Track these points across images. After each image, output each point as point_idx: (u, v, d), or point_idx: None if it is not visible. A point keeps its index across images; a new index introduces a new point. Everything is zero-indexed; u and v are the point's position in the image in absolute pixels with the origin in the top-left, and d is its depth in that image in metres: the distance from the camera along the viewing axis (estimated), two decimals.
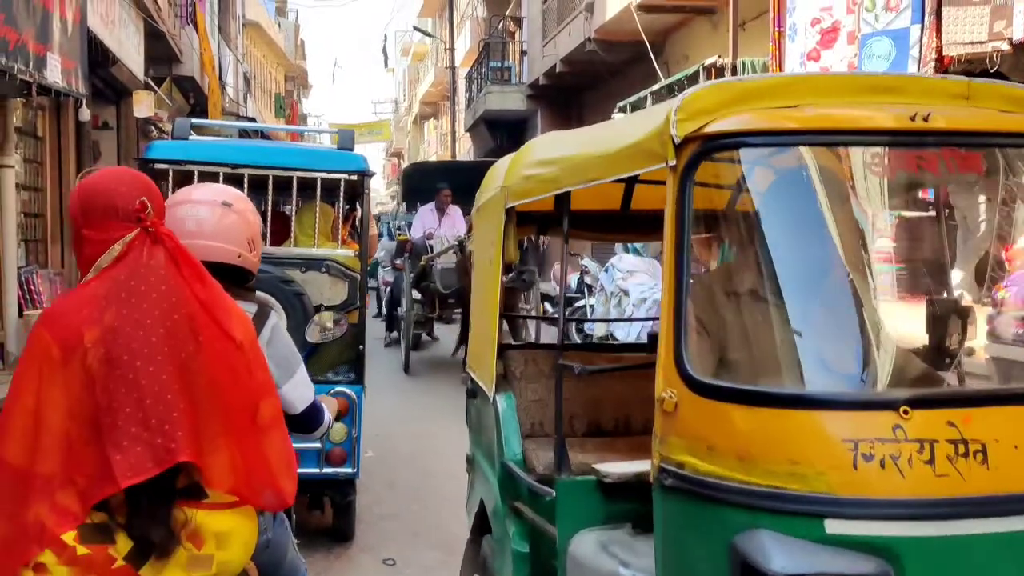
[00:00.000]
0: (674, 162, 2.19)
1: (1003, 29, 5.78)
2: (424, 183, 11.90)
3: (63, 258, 11.98)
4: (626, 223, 4.03)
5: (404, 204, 13.01)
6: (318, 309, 4.99)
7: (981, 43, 5.89)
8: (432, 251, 10.58)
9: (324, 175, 5.02)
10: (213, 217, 2.38)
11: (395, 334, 13.23)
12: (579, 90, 18.87)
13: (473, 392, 4.01)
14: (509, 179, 3.39)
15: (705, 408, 2.13)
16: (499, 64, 22.47)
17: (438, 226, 11.02)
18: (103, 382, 1.82)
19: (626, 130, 2.77)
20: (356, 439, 5.01)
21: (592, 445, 3.47)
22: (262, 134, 17.22)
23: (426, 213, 11.39)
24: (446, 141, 36.90)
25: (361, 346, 5.13)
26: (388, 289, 13.97)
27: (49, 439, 1.82)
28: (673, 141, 2.17)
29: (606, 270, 11.45)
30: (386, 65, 47.70)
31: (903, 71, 6.90)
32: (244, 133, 15.90)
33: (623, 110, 13.18)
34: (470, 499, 4.05)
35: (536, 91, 19.96)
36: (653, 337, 2.29)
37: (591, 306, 11.81)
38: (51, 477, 1.81)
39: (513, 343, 5.12)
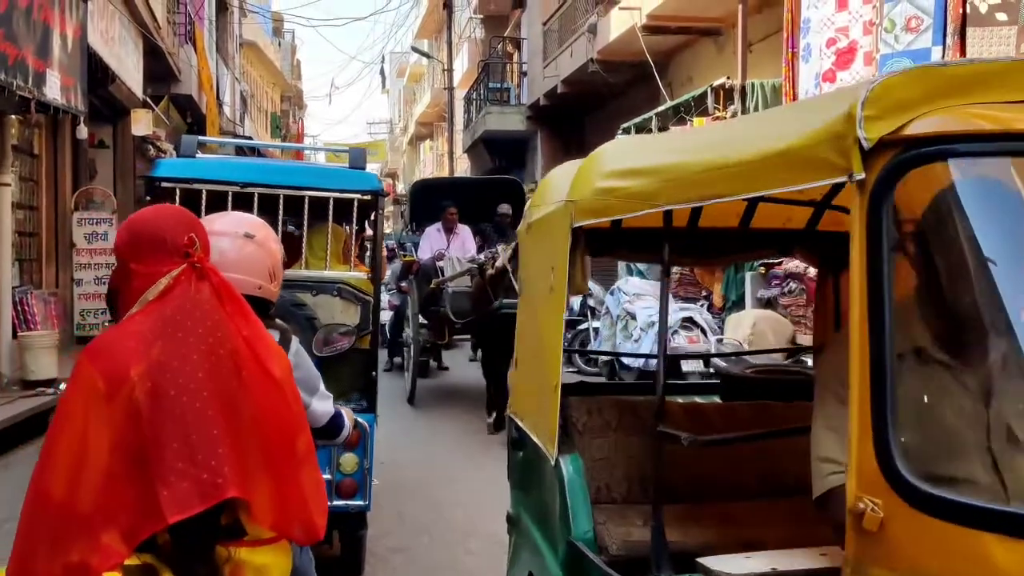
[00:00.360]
0: (862, 175, 1.59)
1: None
2: (432, 201, 11.14)
3: (58, 278, 11.77)
4: (738, 241, 3.31)
5: (411, 224, 12.05)
6: None
7: None
8: (442, 273, 9.82)
9: (337, 194, 4.83)
10: (234, 249, 2.38)
11: (397, 359, 12.52)
12: (581, 111, 18.79)
13: (519, 442, 3.47)
14: (577, 192, 2.79)
15: (934, 532, 1.47)
16: (498, 85, 22.41)
17: (447, 247, 10.32)
18: (149, 416, 1.83)
19: (764, 130, 2.11)
20: (368, 470, 4.78)
21: (673, 516, 2.71)
22: (257, 152, 17.07)
23: (433, 233, 10.65)
24: (442, 161, 36.90)
25: (373, 372, 4.92)
26: (392, 312, 13.29)
27: (93, 475, 1.81)
28: (861, 146, 1.58)
29: (611, 293, 11.26)
30: (383, 87, 47.63)
31: None
32: (240, 151, 15.73)
33: (627, 131, 13.09)
34: (513, 569, 3.54)
35: (536, 112, 19.87)
36: (730, 378, 1.98)
37: (595, 329, 11.62)
38: (94, 514, 1.80)
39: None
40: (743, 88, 9.88)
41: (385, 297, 14.56)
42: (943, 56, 6.50)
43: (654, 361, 9.21)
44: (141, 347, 1.87)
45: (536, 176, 20.89)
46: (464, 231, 10.60)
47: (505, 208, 10.78)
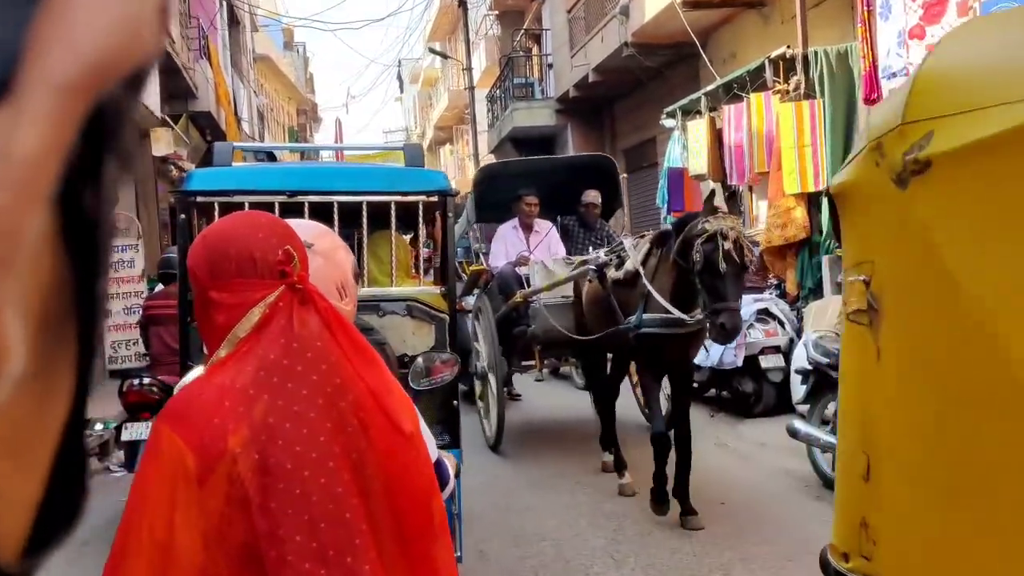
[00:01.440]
0: None
1: None
2: (501, 191, 8.41)
3: None
4: None
5: (475, 223, 9.22)
6: (401, 360, 4.12)
7: None
8: (527, 283, 7.54)
9: (400, 198, 4.16)
10: None
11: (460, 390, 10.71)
12: (611, 100, 18.11)
13: None
14: None
15: None
16: (523, 80, 21.75)
17: (528, 249, 8.03)
18: (261, 500, 1.41)
19: None
20: (458, 516, 4.11)
21: None
22: (271, 157, 16.47)
23: (509, 233, 8.28)
24: (464, 165, 36.33)
25: (455, 402, 4.28)
26: None
27: None
28: None
29: None
30: (401, 90, 47.15)
31: None
32: (271, 158, 15.17)
33: (671, 115, 12.38)
34: None
35: (565, 104, 19.20)
36: None
37: None
38: None
39: None
40: (805, 57, 9.12)
41: None
42: None
43: (728, 359, 8.57)
44: (240, 406, 1.45)
45: None
46: (547, 228, 8.31)
47: (592, 195, 8.28)
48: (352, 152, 12.59)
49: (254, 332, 1.53)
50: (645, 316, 5.45)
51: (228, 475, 1.44)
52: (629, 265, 5.70)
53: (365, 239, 4.28)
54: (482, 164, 28.05)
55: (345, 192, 4.12)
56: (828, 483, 5.85)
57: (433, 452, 2.02)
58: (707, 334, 5.37)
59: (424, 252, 6.66)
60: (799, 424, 5.70)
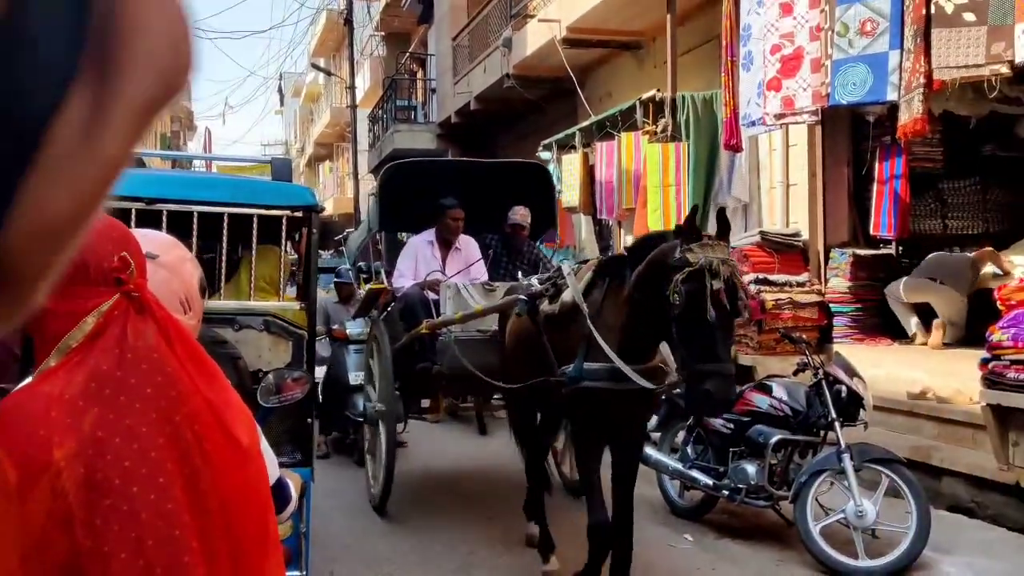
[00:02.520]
0: None
1: (1002, 51, 5.37)
2: (413, 196, 7.02)
3: None
4: None
5: (376, 232, 7.79)
6: (255, 376, 4.07)
7: (978, 66, 5.47)
8: (437, 311, 6.23)
9: (263, 211, 4.12)
10: None
11: (333, 435, 8.92)
12: (492, 128, 18.34)
13: None
14: None
15: None
16: (405, 103, 21.79)
17: (441, 269, 6.69)
18: (85, 516, 1.35)
19: None
20: (304, 535, 4.07)
21: None
22: (140, 163, 15.84)
23: (423, 247, 6.89)
24: (343, 183, 35.97)
25: (309, 419, 4.24)
26: (322, 371, 8.73)
27: None
28: None
29: None
30: (281, 103, 46.35)
31: (882, 98, 6.48)
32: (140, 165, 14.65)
33: (548, 147, 12.65)
34: None
35: (447, 130, 19.34)
36: None
37: None
38: None
39: None
40: (673, 101, 9.52)
41: None
42: (901, 61, 6.20)
43: None
44: (67, 418, 1.38)
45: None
46: (468, 245, 6.95)
47: (521, 214, 6.85)
48: (225, 163, 12.31)
49: (86, 341, 1.46)
50: (586, 366, 4.14)
51: (52, 489, 1.37)
52: (567, 296, 4.39)
53: (224, 251, 4.21)
54: (360, 183, 27.85)
55: (206, 203, 4.05)
56: (675, 509, 6.08)
57: (274, 471, 1.97)
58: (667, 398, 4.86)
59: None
60: (650, 451, 5.92)
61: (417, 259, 6.83)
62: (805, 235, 8.54)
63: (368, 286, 7.56)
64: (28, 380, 2.08)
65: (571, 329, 4.32)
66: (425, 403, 7.34)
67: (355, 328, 8.44)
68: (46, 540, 1.35)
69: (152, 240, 1.84)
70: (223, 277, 4.33)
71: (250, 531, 1.55)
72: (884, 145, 8.46)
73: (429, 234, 6.89)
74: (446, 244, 6.87)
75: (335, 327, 8.84)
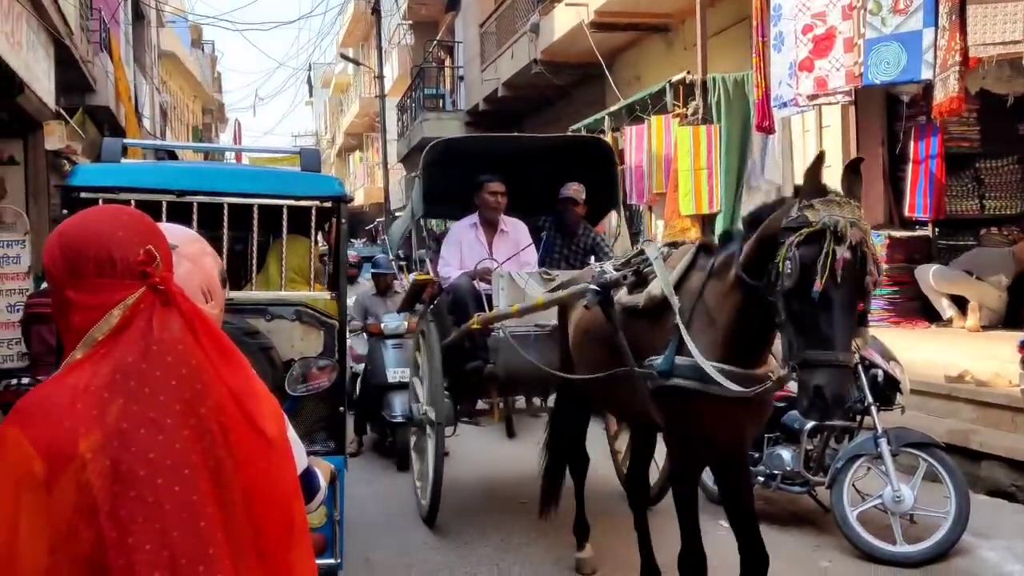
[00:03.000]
0: None
1: None
2: (461, 178, 6.20)
3: None
4: None
5: (420, 218, 6.78)
6: (288, 365, 4.10)
7: (1015, 43, 5.35)
8: (489, 304, 5.54)
9: (292, 202, 4.14)
10: None
11: (368, 436, 8.44)
12: (521, 115, 18.30)
13: None
14: None
15: None
16: (433, 91, 21.80)
17: (489, 255, 5.94)
18: (111, 508, 1.36)
19: None
20: (339, 523, 4.11)
21: None
22: (172, 156, 16.08)
23: (467, 233, 6.18)
24: (373, 172, 36.08)
25: (341, 408, 4.27)
26: (361, 368, 8.38)
27: None
28: None
29: None
30: (311, 95, 46.52)
31: (916, 77, 6.37)
32: (171, 156, 14.82)
33: (576, 132, 12.58)
34: None
35: (475, 117, 19.32)
36: None
37: None
38: None
39: None
40: (704, 83, 9.43)
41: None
42: (935, 39, 6.08)
43: None
44: (92, 409, 1.39)
45: None
46: (517, 228, 6.20)
47: (574, 189, 6.10)
48: (256, 155, 12.37)
49: (112, 334, 1.47)
50: (678, 359, 3.39)
51: (77, 481, 1.39)
52: (655, 289, 3.62)
53: (255, 242, 4.24)
54: (390, 172, 27.87)
55: (236, 194, 4.08)
56: (710, 495, 6.05)
57: (302, 460, 1.97)
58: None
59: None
60: None
61: (462, 245, 6.10)
62: None
63: (413, 276, 6.97)
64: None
65: (659, 325, 3.57)
66: (482, 405, 6.44)
67: (392, 322, 7.96)
68: (72, 531, 1.36)
69: (173, 233, 1.86)
70: (254, 268, 4.35)
71: (275, 521, 1.55)
72: (919, 125, 8.32)
73: (472, 218, 6.18)
74: (491, 226, 6.13)
75: (371, 321, 8.22)
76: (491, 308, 5.48)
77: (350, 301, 7.99)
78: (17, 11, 10.07)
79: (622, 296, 3.89)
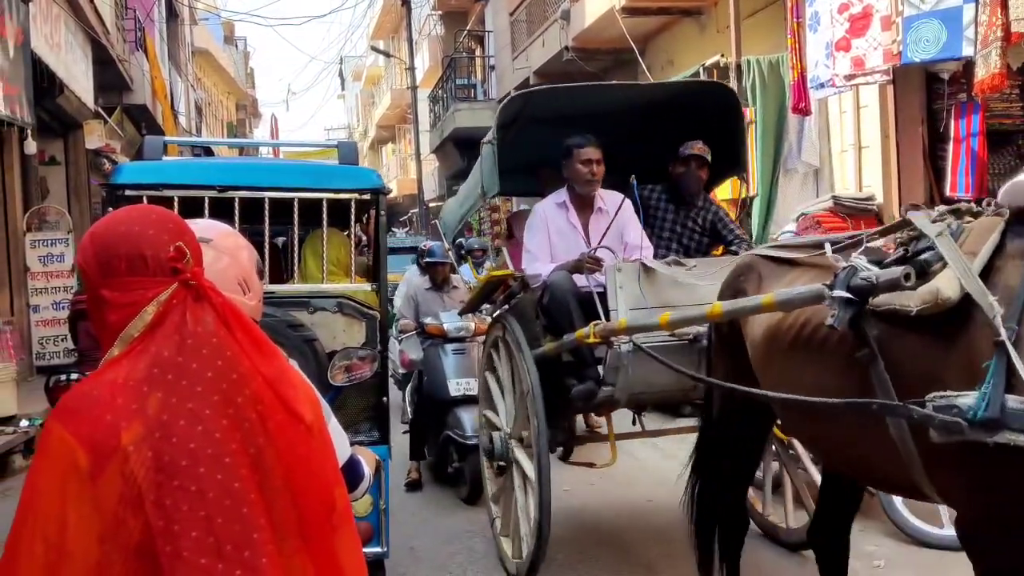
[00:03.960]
0: None
1: None
2: (543, 142, 5.00)
3: (12, 306, 10.97)
4: None
5: (491, 196, 5.31)
6: (331, 357, 4.14)
7: None
8: (601, 302, 4.28)
9: (332, 195, 4.18)
10: None
11: (429, 460, 6.97)
12: None
13: None
14: None
15: None
16: (465, 81, 21.78)
17: (586, 240, 4.80)
18: (156, 497, 1.41)
19: None
20: (384, 511, 4.15)
21: None
22: (208, 152, 16.32)
23: (553, 214, 4.92)
24: (406, 164, 36.19)
25: (384, 398, 4.30)
26: (413, 376, 7.18)
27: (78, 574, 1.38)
28: None
29: None
30: (343, 88, 46.72)
31: (957, 54, 6.26)
32: (208, 153, 14.97)
33: None
34: None
35: None
36: None
37: None
38: None
39: None
40: (738, 66, 9.33)
41: (392, 344, 7.05)
42: (976, 14, 5.97)
43: None
44: (132, 403, 1.43)
45: None
46: (617, 204, 4.74)
47: (698, 148, 5.01)
48: (291, 149, 12.47)
49: (147, 330, 1.51)
50: (1011, 400, 2.10)
51: (121, 473, 1.43)
52: (946, 287, 2.34)
53: (296, 236, 4.29)
54: (423, 164, 27.94)
55: (276, 188, 4.13)
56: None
57: (345, 449, 2.02)
58: None
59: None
60: None
61: (550, 229, 4.86)
62: (879, 199, 8.31)
63: (488, 266, 5.93)
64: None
65: (949, 342, 2.36)
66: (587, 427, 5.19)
67: (453, 322, 6.65)
68: (119, 522, 1.40)
69: (208, 228, 1.95)
70: (295, 261, 4.40)
71: (317, 505, 1.59)
72: (960, 103, 8.16)
73: (559, 195, 4.92)
74: (585, 204, 4.89)
75: (428, 320, 6.84)
76: (603, 311, 4.25)
77: (398, 299, 7.53)
78: (55, 12, 10.23)
79: (883, 298, 2.50)
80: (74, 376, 6.14)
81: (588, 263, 4.49)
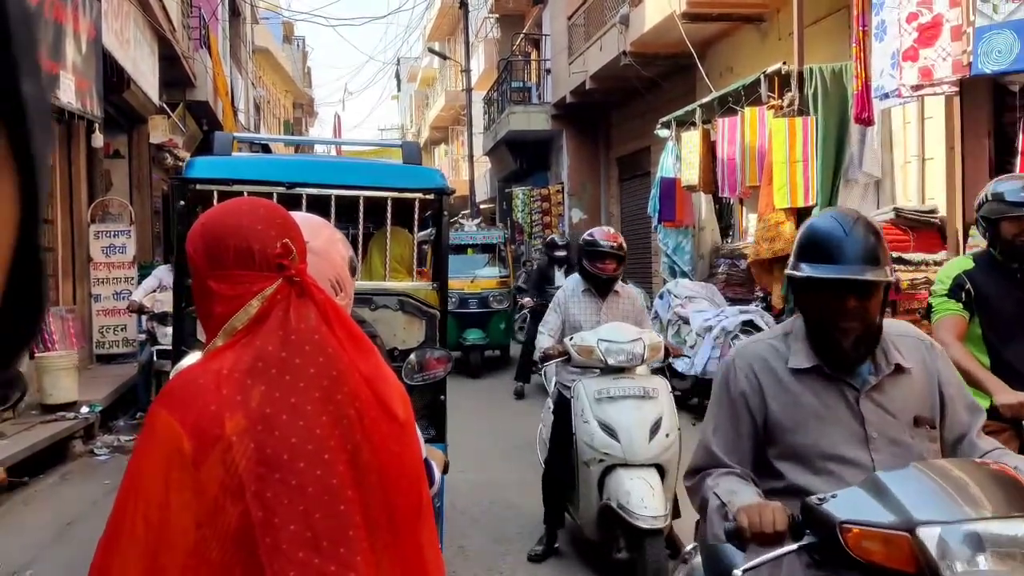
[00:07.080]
0: None
1: None
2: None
3: (75, 294, 11.24)
4: None
5: None
6: (391, 354, 4.18)
7: None
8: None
9: (396, 194, 4.22)
10: None
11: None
12: (608, 107, 18.19)
13: None
14: None
15: None
16: (520, 84, 21.82)
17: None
18: (257, 489, 1.42)
19: None
20: (439, 510, 4.17)
21: None
22: (266, 149, 16.50)
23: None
24: (458, 165, 36.35)
25: (442, 396, 4.33)
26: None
27: (177, 559, 1.39)
28: None
29: (660, 296, 10.63)
30: (398, 89, 47.13)
31: None
32: (265, 150, 15.20)
33: (666, 125, 12.46)
34: None
35: (562, 110, 19.27)
36: None
37: None
38: None
39: None
40: (800, 74, 9.22)
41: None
42: None
43: (712, 368, 8.59)
44: (236, 394, 1.45)
45: (561, 176, 20.30)
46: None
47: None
48: (349, 147, 12.65)
49: (252, 324, 1.53)
50: None
51: (223, 461, 1.44)
52: None
53: (361, 233, 4.34)
54: (475, 165, 28.02)
55: (343, 186, 4.18)
56: None
57: (421, 450, 2.05)
58: None
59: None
60: None
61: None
62: (942, 211, 8.16)
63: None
64: (193, 356, 2.20)
65: None
66: None
67: (615, 339, 5.01)
68: (218, 509, 1.42)
69: (305, 223, 1.88)
70: (359, 259, 4.45)
71: (407, 501, 1.60)
72: None
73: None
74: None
75: (572, 340, 5.01)
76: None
77: (521, 277, 7.19)
78: (126, 9, 10.46)
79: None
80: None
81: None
